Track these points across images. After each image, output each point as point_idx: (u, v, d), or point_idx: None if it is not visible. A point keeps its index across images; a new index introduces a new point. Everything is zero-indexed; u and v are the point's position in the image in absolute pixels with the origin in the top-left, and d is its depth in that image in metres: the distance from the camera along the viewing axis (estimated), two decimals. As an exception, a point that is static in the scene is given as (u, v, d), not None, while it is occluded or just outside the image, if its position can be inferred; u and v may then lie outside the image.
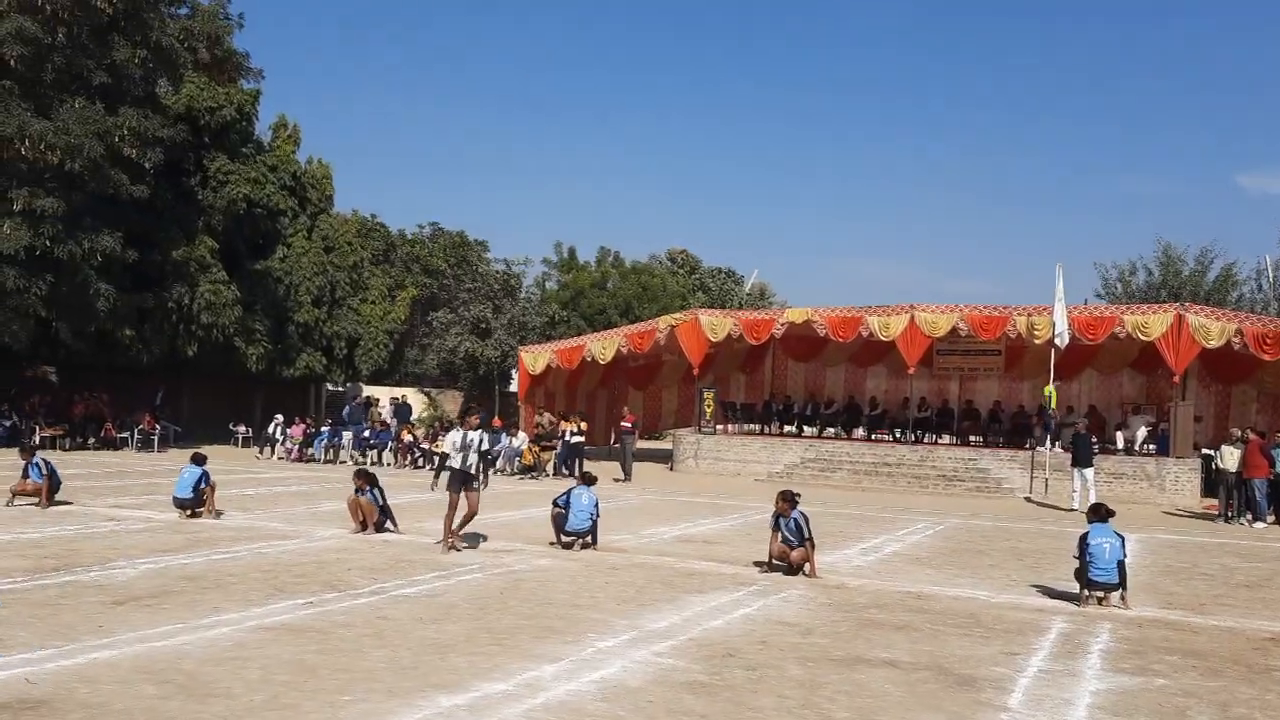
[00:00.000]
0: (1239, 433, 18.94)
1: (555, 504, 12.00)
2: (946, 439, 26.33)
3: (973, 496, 21.56)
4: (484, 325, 38.90)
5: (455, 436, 11.46)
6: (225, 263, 30.88)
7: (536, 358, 28.08)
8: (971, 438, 25.99)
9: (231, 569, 9.86)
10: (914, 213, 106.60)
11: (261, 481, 20.01)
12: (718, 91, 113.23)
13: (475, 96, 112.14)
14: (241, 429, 30.93)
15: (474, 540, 11.82)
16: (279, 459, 26.61)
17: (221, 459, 22.71)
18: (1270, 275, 38.67)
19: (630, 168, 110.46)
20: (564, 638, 7.41)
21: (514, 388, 33.41)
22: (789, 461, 24.89)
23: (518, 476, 23.22)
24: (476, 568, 10.43)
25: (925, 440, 26.00)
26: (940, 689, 6.42)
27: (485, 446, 11.66)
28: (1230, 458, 18.29)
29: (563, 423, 24.17)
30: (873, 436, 26.92)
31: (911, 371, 24.65)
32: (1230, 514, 18.20)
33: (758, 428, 28.04)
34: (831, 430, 27.56)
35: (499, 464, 23.66)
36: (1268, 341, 21.17)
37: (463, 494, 11.29)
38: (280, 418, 27.72)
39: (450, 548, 11.28)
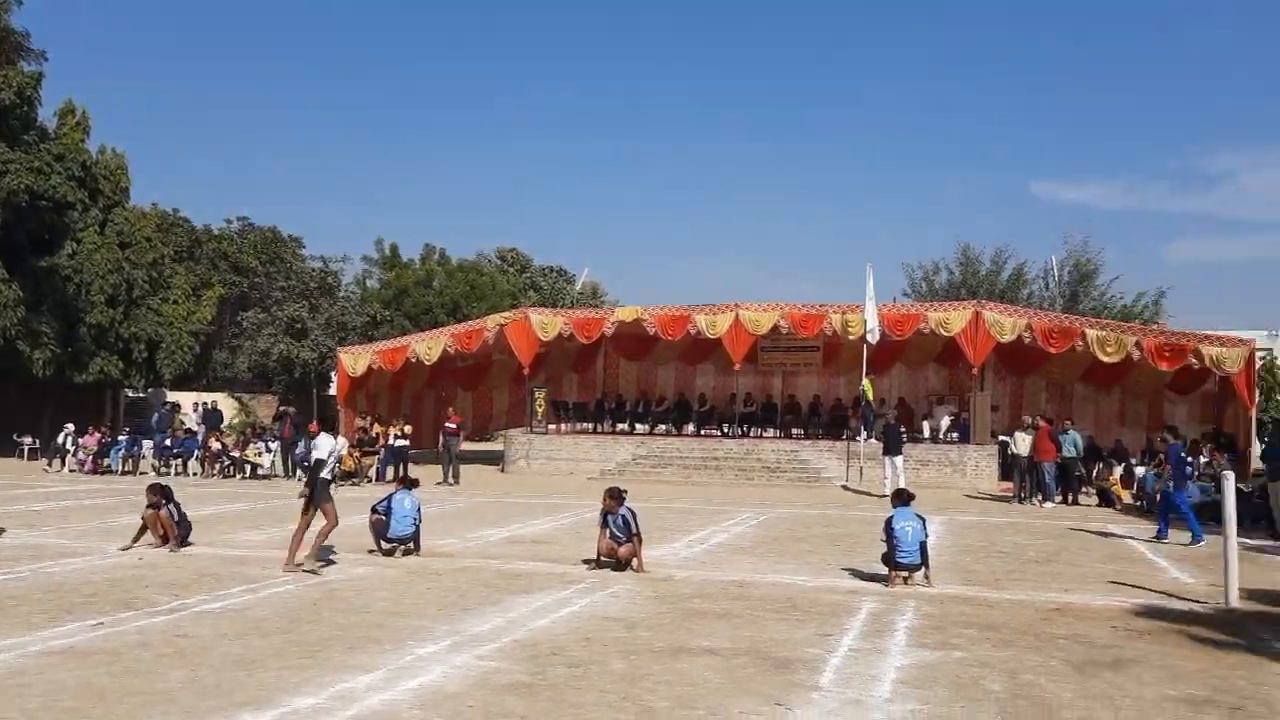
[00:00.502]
0: (1030, 420, 20.44)
1: (375, 510, 11.58)
2: (771, 433, 27.17)
3: (794, 487, 22.34)
4: (299, 325, 37.24)
5: (332, 443, 10.81)
6: (5, 260, 28.26)
7: (357, 359, 27.14)
8: (794, 431, 26.92)
9: (12, 590, 9.02)
10: (740, 212, 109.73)
11: (50, 495, 18.45)
12: (547, 89, 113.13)
13: (288, 85, 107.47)
14: (27, 439, 28.54)
15: (326, 554, 11.07)
16: (70, 471, 24.64)
17: (4, 472, 20.80)
18: (1056, 275, 41.89)
19: (457, 164, 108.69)
20: (381, 646, 7.15)
21: (333, 390, 32.17)
22: (621, 459, 25.07)
23: (337, 483, 22.34)
24: (289, 579, 9.94)
25: (751, 434, 26.76)
26: (758, 673, 6.57)
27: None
28: (1023, 443, 19.70)
29: (379, 427, 23.43)
30: (701, 432, 27.48)
31: (737, 368, 25.30)
32: (1023, 495, 19.60)
33: (590, 426, 28.09)
34: (663, 427, 27.94)
35: (317, 470, 22.72)
36: (1054, 336, 22.94)
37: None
38: (71, 426, 25.63)
39: (297, 567, 10.35)
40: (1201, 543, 13.26)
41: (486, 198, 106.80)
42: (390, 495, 11.70)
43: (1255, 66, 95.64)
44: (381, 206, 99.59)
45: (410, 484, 12.06)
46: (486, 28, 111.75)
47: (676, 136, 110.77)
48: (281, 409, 28.33)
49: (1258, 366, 24.28)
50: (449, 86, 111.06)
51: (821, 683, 6.35)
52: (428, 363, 26.99)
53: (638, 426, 28.08)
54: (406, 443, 22.73)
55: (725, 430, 27.03)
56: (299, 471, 23.59)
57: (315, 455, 10.72)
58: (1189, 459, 19.73)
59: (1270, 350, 39.24)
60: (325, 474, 10.58)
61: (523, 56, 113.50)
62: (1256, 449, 20.19)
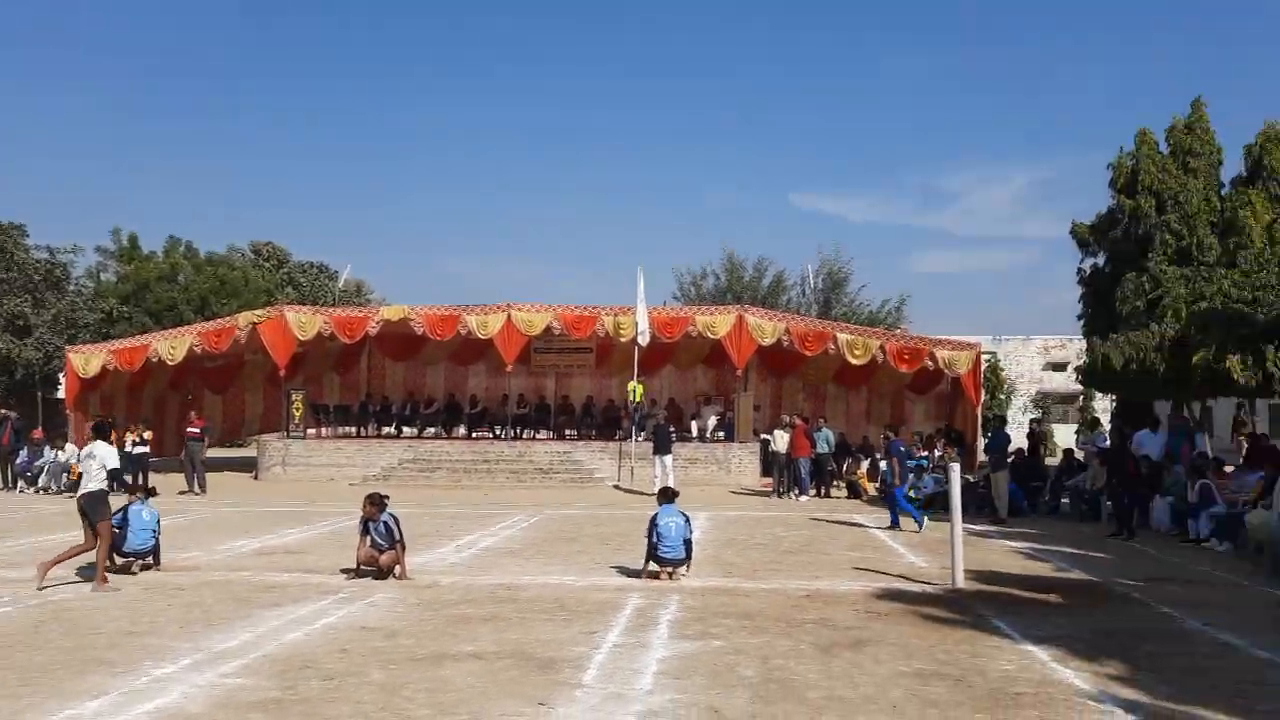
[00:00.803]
0: (788, 419, 21.62)
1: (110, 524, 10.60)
2: (544, 434, 27.18)
3: (567, 487, 22.47)
4: (22, 322, 33.54)
5: (112, 450, 9.92)
6: None
7: (89, 359, 24.79)
8: (567, 432, 27.09)
9: None
10: (511, 210, 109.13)
11: None
12: (308, 76, 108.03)
13: (10, 61, 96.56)
14: None
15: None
16: None
17: None
18: (811, 281, 44.58)
19: (208, 150, 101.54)
20: (113, 669, 6.59)
21: (62, 393, 29.22)
22: (387, 464, 24.29)
23: (66, 494, 20.35)
24: (5, 600, 8.93)
25: (524, 436, 26.67)
26: (521, 675, 6.53)
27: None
28: (781, 440, 20.81)
29: (115, 433, 21.53)
30: (473, 434, 27.11)
31: (510, 369, 25.16)
32: (781, 489, 20.69)
33: (353, 430, 27.07)
34: (431, 430, 27.34)
35: (42, 481, 20.67)
36: (809, 339, 24.40)
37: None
38: None
39: (43, 585, 9.50)
40: (921, 529, 14.60)
41: (240, 189, 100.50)
42: (127, 506, 10.77)
43: (982, 91, 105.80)
44: (119, 194, 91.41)
45: (149, 493, 11.16)
46: (239, 15, 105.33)
47: (445, 131, 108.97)
48: (0, 413, 25.43)
49: (983, 368, 26.85)
50: (196, 70, 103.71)
51: (585, 680, 6.40)
52: (171, 363, 25.07)
53: (405, 429, 27.34)
54: (146, 449, 21.01)
55: (498, 432, 26.81)
56: (20, 483, 21.41)
57: (108, 465, 9.73)
58: (925, 453, 21.62)
59: (994, 354, 43.57)
60: (96, 486, 9.68)
61: (280, 45, 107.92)
62: (982, 443, 22.26)
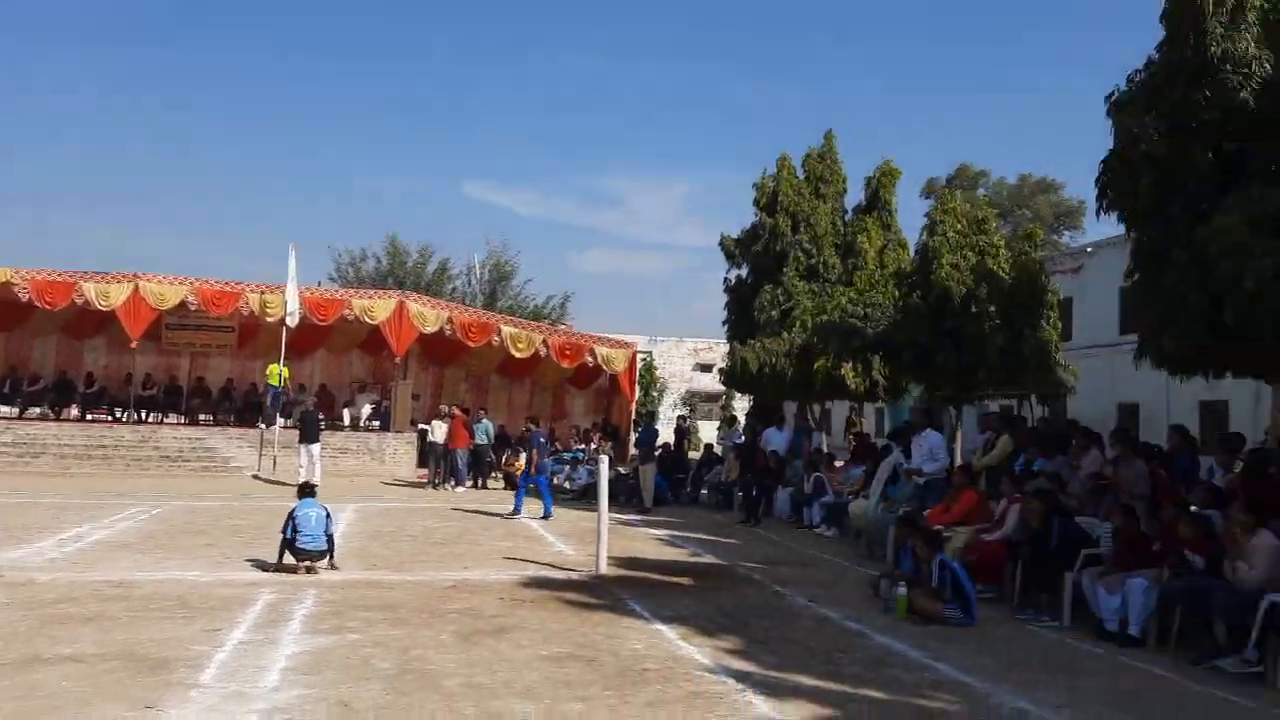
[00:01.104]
0: (446, 409, 21.39)
1: None
2: (174, 418, 24.87)
3: (199, 477, 20.71)
4: None
5: None
6: None
7: None
8: (201, 416, 25.00)
9: None
10: (143, 170, 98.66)
11: None
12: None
13: None
14: None
15: None
16: None
17: None
18: (478, 272, 44.62)
19: None
20: None
21: None
22: (-23, 447, 21.01)
23: None
24: None
25: (150, 420, 24.25)
26: (128, 677, 5.91)
27: None
28: (439, 431, 20.58)
29: None
30: (88, 417, 24.23)
31: (134, 346, 22.74)
32: (438, 481, 20.45)
33: (-65, 408, 23.21)
34: (37, 410, 24.07)
35: None
36: (473, 330, 24.37)
37: None
38: None
39: None
40: (517, 516, 15.31)
41: None
42: None
43: (651, 98, 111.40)
44: None
45: None
46: None
47: (83, 79, 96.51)
48: None
49: (638, 367, 28.27)
50: None
51: (202, 680, 5.91)
52: None
53: (4, 409, 23.87)
54: None
55: (118, 415, 24.13)
56: None
57: None
58: (582, 446, 22.34)
59: (650, 353, 46.11)
60: None
61: None
62: (634, 437, 23.41)
